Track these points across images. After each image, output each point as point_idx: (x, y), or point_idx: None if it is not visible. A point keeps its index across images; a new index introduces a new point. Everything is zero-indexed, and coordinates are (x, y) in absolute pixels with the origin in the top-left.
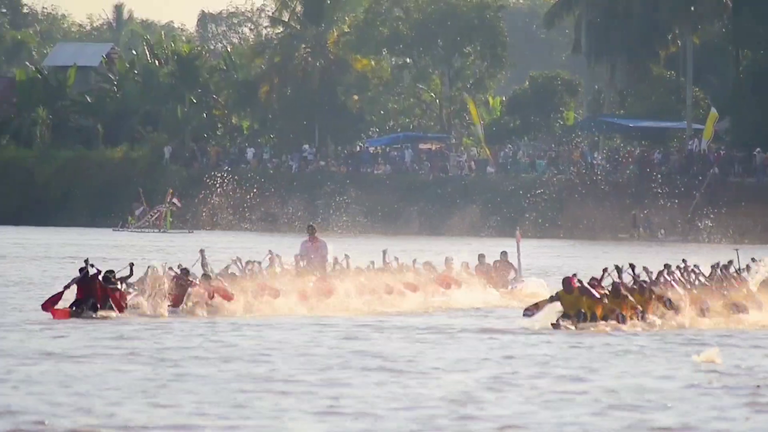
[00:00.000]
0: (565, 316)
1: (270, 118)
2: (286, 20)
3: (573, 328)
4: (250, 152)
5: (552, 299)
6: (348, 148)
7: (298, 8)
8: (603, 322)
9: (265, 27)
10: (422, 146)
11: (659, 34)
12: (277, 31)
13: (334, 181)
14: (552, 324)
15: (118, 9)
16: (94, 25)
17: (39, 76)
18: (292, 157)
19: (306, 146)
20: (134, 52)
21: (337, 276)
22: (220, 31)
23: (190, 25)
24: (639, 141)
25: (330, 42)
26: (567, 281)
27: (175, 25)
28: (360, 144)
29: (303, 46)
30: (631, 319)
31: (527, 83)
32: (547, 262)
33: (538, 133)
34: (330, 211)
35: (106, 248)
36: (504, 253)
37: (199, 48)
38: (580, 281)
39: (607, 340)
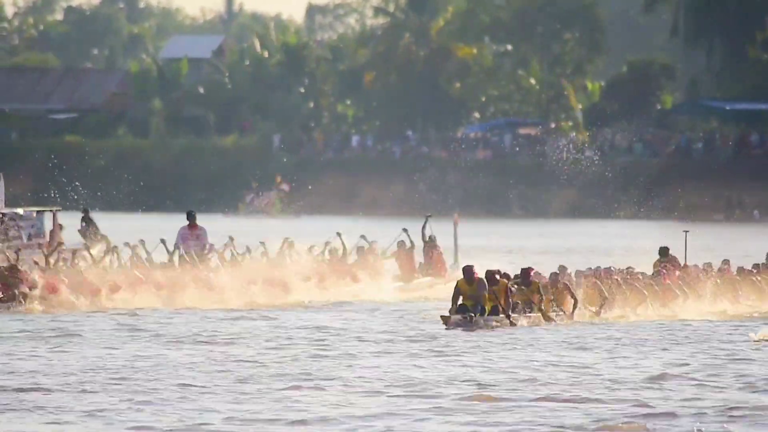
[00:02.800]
0: (461, 308)
1: (374, 106)
2: (391, 11)
3: (466, 320)
4: (354, 139)
5: (456, 293)
6: (449, 133)
7: None
8: (500, 316)
9: (370, 17)
10: (521, 131)
11: (755, 16)
12: (382, 21)
13: (436, 166)
14: (442, 317)
15: (230, 2)
16: (207, 18)
17: (154, 68)
18: (395, 143)
19: (409, 132)
20: (244, 44)
21: (210, 267)
22: (326, 22)
23: (298, 17)
24: (736, 123)
25: (433, 31)
26: (468, 270)
27: (284, 17)
28: (461, 130)
29: (407, 35)
30: (540, 311)
31: (625, 68)
32: (642, 243)
33: (636, 116)
34: (431, 195)
35: (219, 234)
36: (431, 239)
37: (306, 39)
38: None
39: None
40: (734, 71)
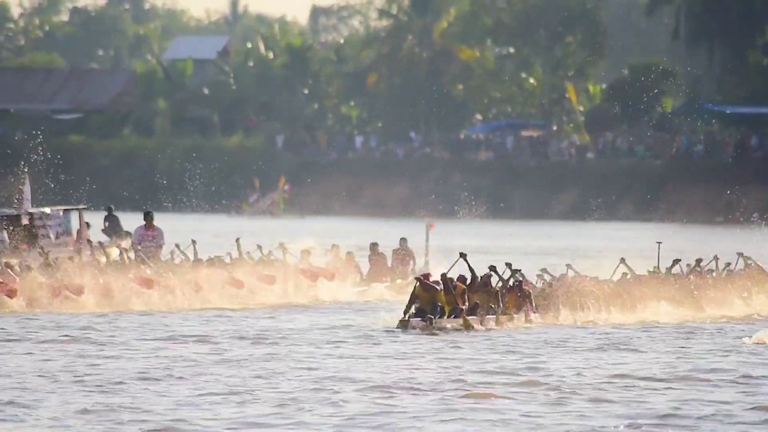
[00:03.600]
0: (419, 312)
1: (378, 107)
2: (394, 13)
3: (426, 324)
4: (358, 140)
5: (413, 298)
6: (452, 135)
7: (405, 1)
8: (470, 317)
9: (374, 19)
10: (524, 133)
11: (756, 21)
12: (386, 23)
13: (439, 167)
14: (401, 321)
15: (234, 3)
16: (211, 19)
17: (159, 69)
18: (398, 145)
19: (412, 134)
20: (249, 45)
21: (171, 268)
22: (330, 24)
23: (302, 19)
24: (736, 126)
25: (436, 33)
26: (424, 279)
27: (288, 19)
28: (464, 131)
29: (410, 37)
30: (503, 315)
31: (626, 71)
32: (642, 244)
33: (637, 119)
34: (434, 196)
35: (222, 234)
36: (403, 240)
37: (310, 41)
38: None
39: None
40: (735, 75)
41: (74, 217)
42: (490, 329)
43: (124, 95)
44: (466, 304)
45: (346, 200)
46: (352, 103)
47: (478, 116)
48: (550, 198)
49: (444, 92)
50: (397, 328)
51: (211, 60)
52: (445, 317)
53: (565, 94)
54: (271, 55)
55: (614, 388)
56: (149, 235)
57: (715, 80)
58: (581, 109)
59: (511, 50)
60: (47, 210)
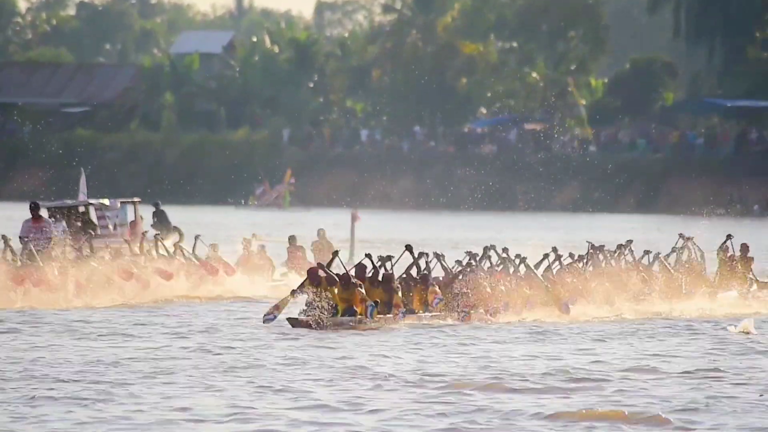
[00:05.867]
0: (311, 309)
1: (382, 101)
2: (398, 8)
3: (320, 322)
4: (363, 134)
5: (295, 293)
6: (456, 128)
7: None
8: (355, 317)
9: (378, 14)
10: (527, 127)
11: (755, 16)
12: (390, 18)
13: (443, 161)
14: (289, 319)
15: None
16: (217, 14)
17: (166, 63)
18: (403, 138)
19: (417, 128)
20: (254, 39)
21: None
22: (335, 19)
23: (307, 14)
24: (736, 120)
25: (440, 28)
26: (311, 271)
27: (293, 14)
28: (468, 125)
29: (414, 32)
30: (411, 311)
31: (628, 65)
32: (641, 236)
33: (639, 113)
34: (439, 189)
35: (229, 227)
36: (321, 231)
37: (315, 35)
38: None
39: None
40: (735, 70)
41: (130, 210)
42: (392, 328)
43: (131, 89)
44: (368, 300)
45: (351, 193)
46: (357, 98)
47: (482, 110)
48: (552, 191)
49: (448, 86)
50: (290, 324)
51: (217, 54)
52: (339, 315)
53: (568, 89)
54: (276, 49)
55: None
56: (37, 227)
57: (716, 75)
58: (583, 103)
59: (514, 45)
60: (106, 201)
